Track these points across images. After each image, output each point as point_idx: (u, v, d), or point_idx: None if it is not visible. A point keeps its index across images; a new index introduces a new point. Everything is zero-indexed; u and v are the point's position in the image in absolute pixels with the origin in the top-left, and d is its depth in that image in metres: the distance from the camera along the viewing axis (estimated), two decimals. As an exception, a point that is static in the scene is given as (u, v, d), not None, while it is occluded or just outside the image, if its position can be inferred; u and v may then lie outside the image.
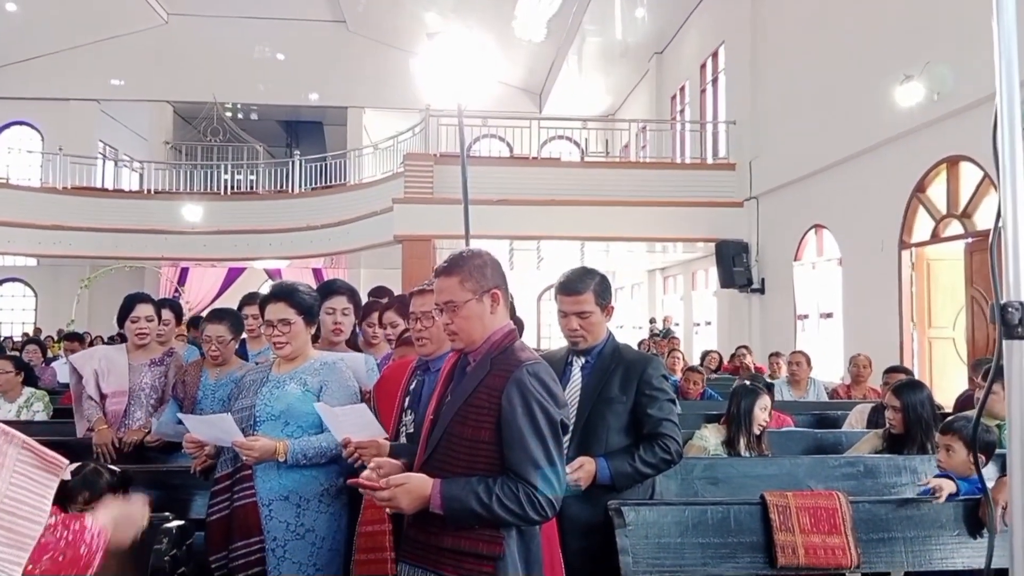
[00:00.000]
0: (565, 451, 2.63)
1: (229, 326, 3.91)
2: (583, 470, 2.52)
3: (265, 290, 3.28)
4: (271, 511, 2.73)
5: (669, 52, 17.23)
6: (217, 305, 11.69)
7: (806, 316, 11.04)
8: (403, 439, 2.54)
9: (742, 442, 3.76)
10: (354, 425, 2.47)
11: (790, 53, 11.23)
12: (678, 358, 8.31)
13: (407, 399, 2.65)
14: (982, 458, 2.94)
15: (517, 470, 1.86)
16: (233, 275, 18.13)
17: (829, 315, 10.42)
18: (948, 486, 2.64)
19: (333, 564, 2.74)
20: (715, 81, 14.74)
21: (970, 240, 7.55)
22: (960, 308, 7.86)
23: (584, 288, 2.68)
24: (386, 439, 2.47)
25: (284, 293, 2.89)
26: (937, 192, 8.14)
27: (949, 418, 3.32)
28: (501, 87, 20.42)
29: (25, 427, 4.66)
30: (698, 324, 15.63)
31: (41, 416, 5.08)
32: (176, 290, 17.28)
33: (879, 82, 8.39)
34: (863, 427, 4.75)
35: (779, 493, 2.55)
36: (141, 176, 18.02)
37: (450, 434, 1.96)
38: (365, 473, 1.98)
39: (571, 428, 2.64)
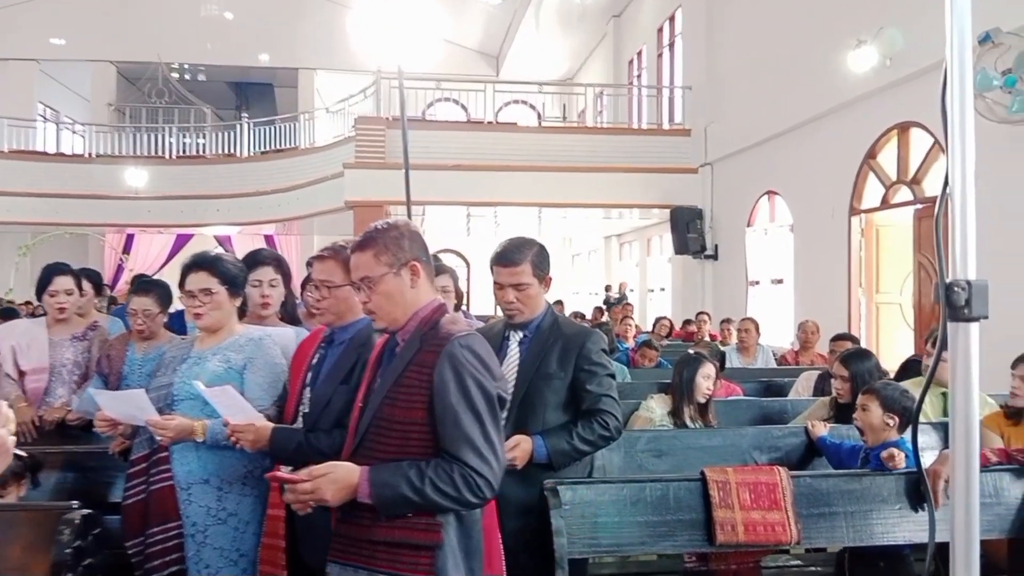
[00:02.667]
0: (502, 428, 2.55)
1: (156, 298, 3.74)
2: (519, 449, 2.42)
3: None
4: (190, 495, 2.58)
5: (627, 15, 17.02)
6: (165, 275, 11.35)
7: (757, 282, 11.10)
8: (299, 421, 2.42)
9: (687, 412, 3.70)
10: (227, 407, 2.35)
11: (746, 18, 11.12)
12: (630, 325, 8.28)
13: (308, 375, 2.52)
14: (895, 419, 2.88)
15: (451, 450, 1.74)
16: (181, 242, 17.60)
17: (780, 281, 10.49)
18: (900, 454, 2.59)
19: (258, 549, 2.61)
20: (672, 46, 14.59)
21: (919, 206, 7.60)
22: (907, 274, 7.94)
23: (521, 259, 2.55)
24: (268, 420, 2.37)
25: (206, 262, 2.72)
26: (888, 158, 8.17)
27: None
28: (457, 50, 19.98)
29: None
30: (652, 290, 15.68)
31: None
32: (120, 258, 16.76)
33: (833, 47, 8.34)
34: (810, 395, 4.74)
35: (719, 469, 2.48)
36: (84, 139, 17.33)
37: (380, 418, 1.83)
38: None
39: (507, 407, 2.54)
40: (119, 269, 16.91)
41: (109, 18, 18.61)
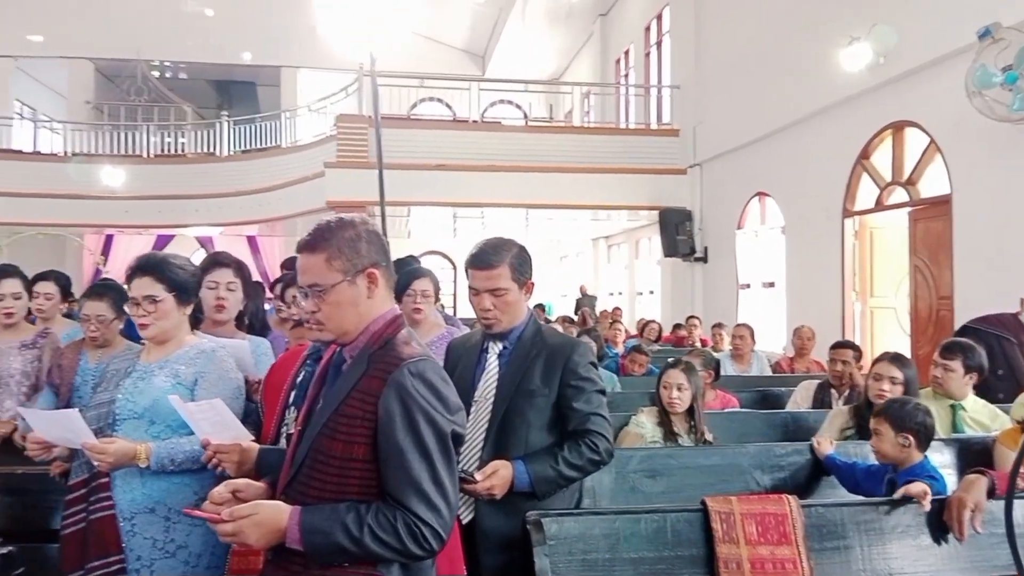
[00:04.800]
0: (479, 454, 2.29)
1: (111, 303, 3.48)
2: (498, 476, 2.16)
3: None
4: (134, 526, 2.31)
5: (614, 14, 16.82)
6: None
7: (748, 285, 10.88)
8: (283, 442, 2.16)
9: (676, 426, 3.44)
10: (211, 424, 2.08)
11: (735, 16, 10.92)
12: (620, 330, 8.05)
13: (292, 394, 2.26)
14: (910, 439, 2.67)
15: (396, 495, 1.51)
16: (162, 243, 17.21)
17: (771, 284, 10.28)
18: (922, 488, 2.33)
19: (210, 586, 2.35)
20: (659, 44, 14.39)
21: (914, 208, 7.41)
22: (903, 277, 7.74)
23: (498, 261, 2.29)
24: (253, 441, 2.09)
25: (150, 266, 2.45)
26: (882, 159, 7.98)
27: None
28: (443, 49, 19.73)
29: None
30: (641, 293, 15.46)
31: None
32: (97, 261, 16.37)
33: (825, 45, 8.13)
34: (809, 405, 4.53)
35: (722, 498, 2.23)
36: (61, 137, 16.90)
37: (317, 451, 1.58)
38: (206, 504, 1.60)
39: (485, 428, 2.28)
40: (97, 272, 16.50)
41: (87, 14, 18.19)
